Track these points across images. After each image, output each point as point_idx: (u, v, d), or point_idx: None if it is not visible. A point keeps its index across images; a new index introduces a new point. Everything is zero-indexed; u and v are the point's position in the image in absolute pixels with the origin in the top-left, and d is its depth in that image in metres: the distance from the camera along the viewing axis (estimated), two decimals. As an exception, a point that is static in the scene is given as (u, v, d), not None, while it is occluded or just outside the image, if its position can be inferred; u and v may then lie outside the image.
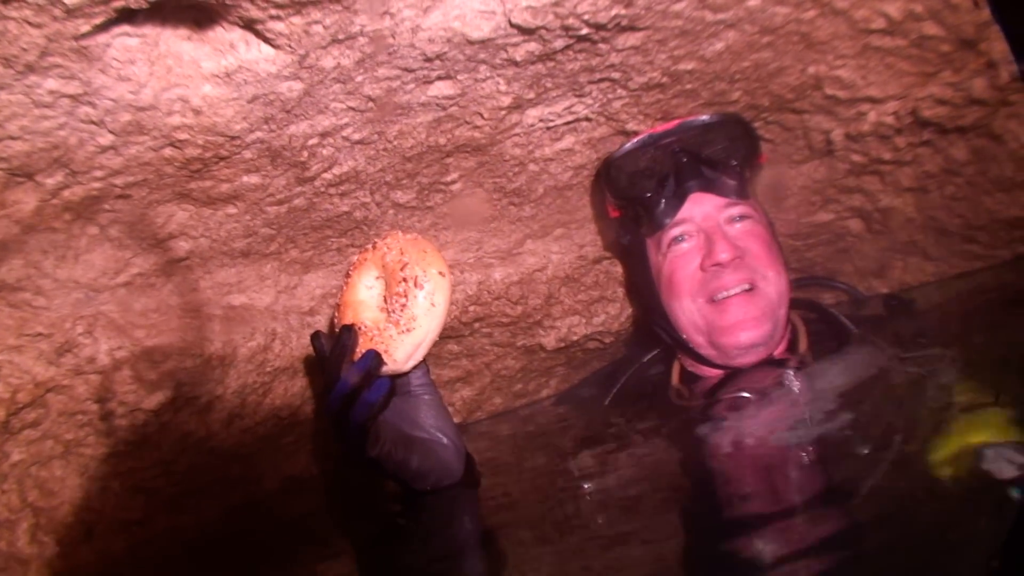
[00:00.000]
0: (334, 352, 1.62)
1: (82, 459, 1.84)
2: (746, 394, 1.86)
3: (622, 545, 1.32)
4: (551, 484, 1.79)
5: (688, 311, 2.00)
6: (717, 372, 2.06)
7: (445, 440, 1.73)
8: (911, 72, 1.91)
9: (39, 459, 1.79)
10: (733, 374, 2.00)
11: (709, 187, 1.97)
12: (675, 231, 2.00)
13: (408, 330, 1.63)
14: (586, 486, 1.71)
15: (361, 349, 1.63)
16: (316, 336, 1.70)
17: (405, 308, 1.63)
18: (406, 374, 1.72)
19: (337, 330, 1.68)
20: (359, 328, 1.66)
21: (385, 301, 1.69)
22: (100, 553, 1.85)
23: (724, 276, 1.94)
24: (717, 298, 1.95)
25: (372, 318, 1.67)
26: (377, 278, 1.73)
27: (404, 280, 1.64)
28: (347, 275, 1.76)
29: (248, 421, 2.10)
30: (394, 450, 1.62)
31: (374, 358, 1.59)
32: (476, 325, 2.36)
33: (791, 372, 1.85)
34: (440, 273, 1.65)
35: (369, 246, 1.76)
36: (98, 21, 1.30)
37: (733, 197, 1.98)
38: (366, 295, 1.72)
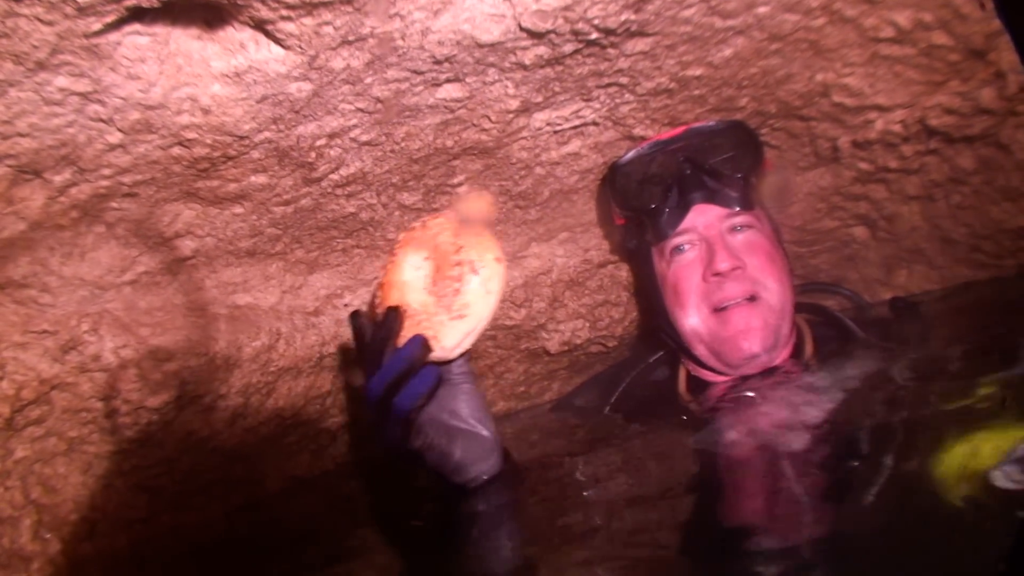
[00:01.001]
0: (378, 335, 1.54)
1: (86, 456, 1.84)
2: (751, 396, 1.87)
3: (630, 551, 1.32)
4: (559, 492, 1.78)
5: (691, 320, 2.00)
6: (723, 379, 2.06)
7: (485, 432, 1.65)
8: (919, 81, 1.91)
9: (43, 456, 1.79)
10: (739, 381, 1.99)
11: (712, 198, 1.97)
12: (678, 240, 2.00)
13: (460, 316, 1.55)
14: (587, 493, 1.70)
15: (406, 333, 1.55)
16: (356, 315, 1.62)
17: (458, 294, 1.56)
18: (450, 362, 1.63)
19: (378, 311, 1.60)
20: (404, 311, 1.56)
21: (434, 284, 1.59)
22: (102, 551, 1.85)
23: (725, 286, 1.94)
24: (719, 308, 1.95)
25: (420, 301, 1.58)
26: (426, 259, 1.61)
27: (459, 264, 1.56)
28: (391, 253, 1.66)
29: (251, 421, 2.10)
30: (436, 441, 1.57)
31: (422, 344, 1.52)
32: (480, 328, 2.36)
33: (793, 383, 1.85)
34: (496, 259, 1.58)
35: (417, 224, 1.67)
36: (109, 19, 1.30)
37: (736, 207, 1.98)
38: (413, 276, 1.61)
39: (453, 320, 1.55)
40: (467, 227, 1.60)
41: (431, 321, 1.55)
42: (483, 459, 1.63)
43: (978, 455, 1.15)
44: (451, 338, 1.55)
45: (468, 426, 1.63)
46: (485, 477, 1.63)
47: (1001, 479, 1.06)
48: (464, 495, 1.62)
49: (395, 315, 1.54)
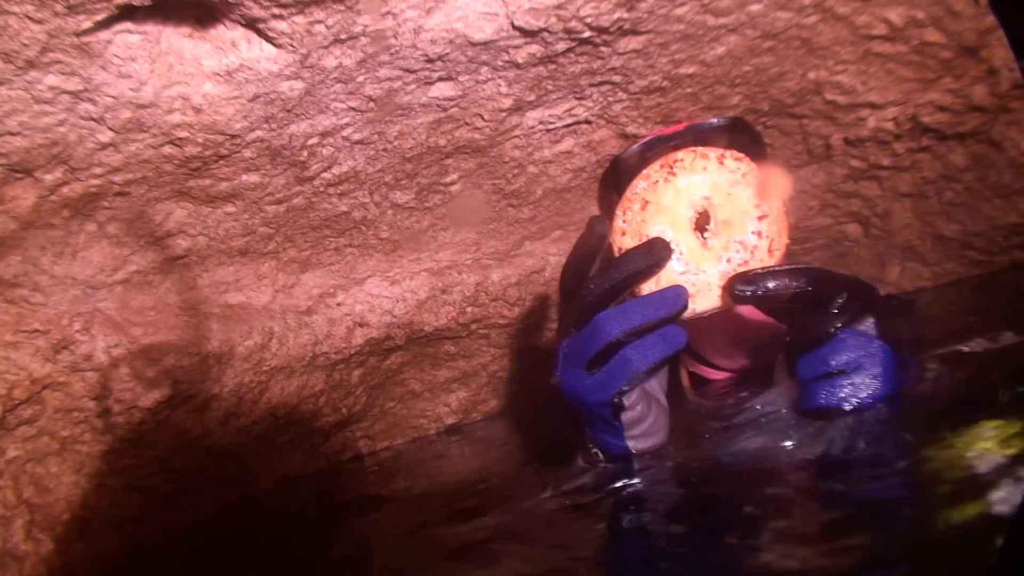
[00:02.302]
0: (631, 261, 1.30)
1: (78, 456, 1.84)
2: (752, 392, 1.86)
3: (633, 554, 1.32)
4: (561, 493, 1.78)
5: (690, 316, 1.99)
6: (723, 375, 2.06)
7: (664, 402, 1.57)
8: (912, 78, 1.91)
9: (35, 456, 1.79)
10: (740, 377, 1.99)
11: None
12: None
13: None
14: (594, 495, 1.70)
15: (660, 280, 1.35)
16: (599, 221, 1.37)
17: (744, 264, 1.36)
18: None
19: (624, 232, 1.40)
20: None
21: (715, 235, 1.37)
22: (95, 550, 1.85)
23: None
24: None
25: (689, 246, 1.35)
26: (707, 200, 1.39)
27: (757, 233, 1.35)
28: (667, 168, 1.41)
29: (244, 420, 2.10)
30: (639, 402, 1.43)
31: (684, 300, 1.29)
32: (473, 326, 2.36)
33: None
34: (788, 244, 1.40)
35: (712, 155, 1.42)
36: (100, 17, 1.29)
37: None
38: (686, 212, 1.38)
39: (720, 286, 1.37)
40: (768, 195, 1.39)
41: (695, 275, 1.36)
42: (663, 430, 1.53)
43: (969, 458, 1.15)
44: (706, 302, 1.37)
45: (657, 393, 1.55)
46: (653, 448, 1.52)
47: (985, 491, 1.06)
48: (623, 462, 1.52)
49: (666, 250, 1.31)
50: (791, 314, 1.34)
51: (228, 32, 1.43)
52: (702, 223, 1.37)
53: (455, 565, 1.45)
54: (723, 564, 1.15)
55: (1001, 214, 2.19)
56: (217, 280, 1.97)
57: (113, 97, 1.44)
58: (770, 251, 1.34)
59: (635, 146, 2.00)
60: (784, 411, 1.50)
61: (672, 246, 1.33)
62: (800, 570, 1.03)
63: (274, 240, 1.94)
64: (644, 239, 1.33)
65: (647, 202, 1.39)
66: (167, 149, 1.58)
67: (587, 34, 1.61)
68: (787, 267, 1.30)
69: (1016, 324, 1.66)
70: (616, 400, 1.34)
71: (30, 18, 1.26)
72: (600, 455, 1.56)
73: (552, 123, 1.89)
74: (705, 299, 1.34)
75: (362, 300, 2.20)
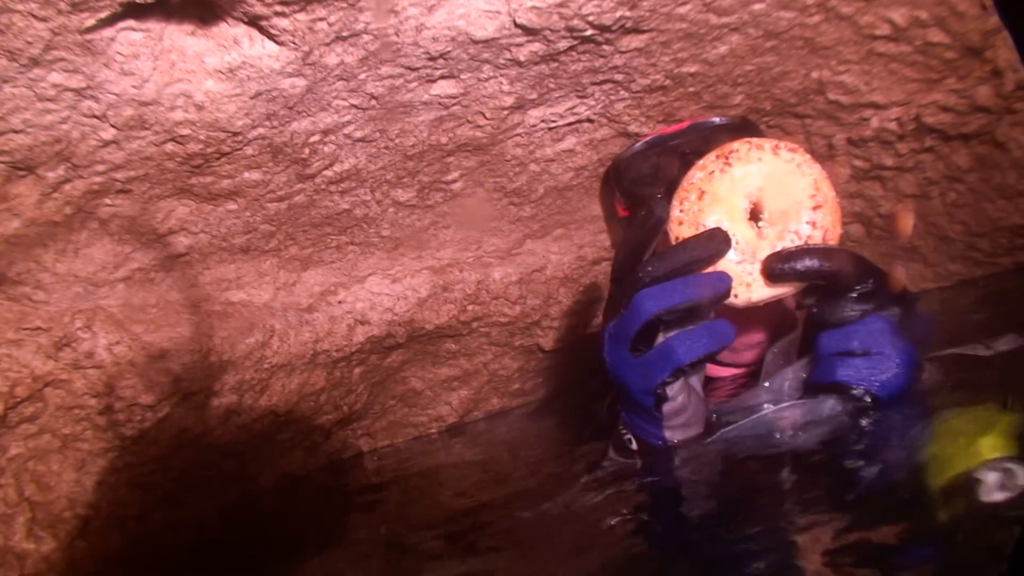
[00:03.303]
0: (693, 249, 1.30)
1: (79, 454, 1.84)
2: (755, 389, 1.86)
3: (635, 559, 1.32)
4: (563, 492, 1.78)
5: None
6: (728, 372, 2.05)
7: (701, 392, 1.54)
8: (915, 78, 1.91)
9: (36, 454, 1.79)
10: (743, 374, 1.99)
11: None
12: None
13: None
14: (596, 493, 1.69)
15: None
16: (659, 204, 1.40)
17: None
18: None
19: (680, 221, 1.36)
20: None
21: (770, 224, 1.35)
22: (97, 548, 1.85)
23: None
24: None
25: (745, 236, 1.33)
26: (762, 190, 1.36)
27: (812, 224, 1.32)
28: (724, 159, 1.39)
29: (245, 418, 2.10)
30: (680, 392, 1.42)
31: (725, 282, 1.30)
32: (474, 324, 2.36)
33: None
34: (842, 234, 1.37)
35: (767, 146, 1.38)
36: (103, 15, 1.30)
37: None
38: (741, 202, 1.36)
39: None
40: (828, 185, 1.36)
41: (747, 265, 1.33)
42: (700, 421, 1.52)
43: (971, 465, 1.15)
44: (761, 291, 1.33)
45: (695, 383, 1.52)
46: (685, 440, 1.52)
47: (986, 493, 1.06)
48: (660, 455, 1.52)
49: (723, 240, 1.31)
50: (822, 293, 1.35)
51: (230, 29, 1.43)
52: (757, 213, 1.36)
53: (454, 563, 1.45)
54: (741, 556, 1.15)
55: (1005, 216, 2.18)
56: (218, 277, 1.97)
57: (116, 95, 1.44)
58: (824, 241, 1.32)
59: (637, 145, 2.00)
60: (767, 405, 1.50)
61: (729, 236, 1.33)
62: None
63: (275, 238, 1.94)
64: (701, 228, 1.34)
65: (703, 192, 1.36)
66: (169, 146, 1.58)
67: (589, 32, 1.61)
68: (823, 247, 1.31)
69: (1020, 326, 1.66)
70: (659, 391, 1.36)
71: (34, 16, 1.26)
72: (633, 443, 1.55)
73: (554, 121, 1.89)
74: (761, 288, 1.32)
75: (363, 298, 2.20)
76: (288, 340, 2.11)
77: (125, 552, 1.90)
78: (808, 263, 1.29)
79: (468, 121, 1.80)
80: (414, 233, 2.11)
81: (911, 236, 1.39)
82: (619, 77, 1.80)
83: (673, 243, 1.36)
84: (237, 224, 1.85)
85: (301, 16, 1.38)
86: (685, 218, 1.36)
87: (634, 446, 1.54)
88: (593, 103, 1.87)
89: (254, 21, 1.39)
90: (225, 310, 2.01)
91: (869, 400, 1.32)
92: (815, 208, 1.32)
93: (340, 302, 2.18)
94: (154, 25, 1.39)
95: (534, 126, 1.88)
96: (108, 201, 1.66)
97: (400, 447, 2.59)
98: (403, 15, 1.46)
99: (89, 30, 1.32)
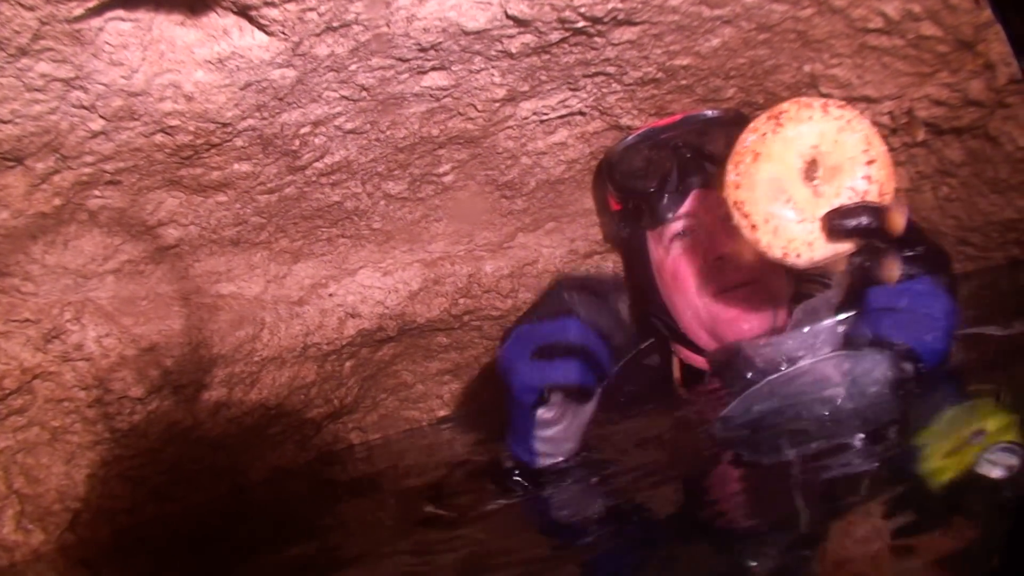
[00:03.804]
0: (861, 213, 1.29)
1: (68, 446, 1.84)
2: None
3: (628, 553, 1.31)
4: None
5: (690, 305, 1.99)
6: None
7: (587, 418, 1.63)
8: (908, 72, 1.91)
9: (26, 446, 1.79)
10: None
11: (712, 183, 1.97)
12: (677, 226, 1.99)
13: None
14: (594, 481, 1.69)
15: (778, 231, 1.34)
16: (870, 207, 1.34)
17: None
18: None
19: (737, 187, 1.37)
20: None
21: (826, 183, 1.34)
22: (86, 541, 1.85)
23: (726, 271, 1.92)
24: (719, 292, 1.94)
25: (801, 195, 1.34)
26: (815, 148, 1.36)
27: (868, 179, 1.32)
28: (775, 120, 1.39)
29: (235, 411, 2.09)
30: (560, 408, 1.51)
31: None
32: (466, 318, 2.36)
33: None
34: (896, 189, 1.36)
35: (815, 104, 1.38)
36: (91, 4, 1.29)
37: None
38: (796, 162, 1.36)
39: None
40: (884, 149, 1.35)
41: (808, 224, 1.33)
42: (572, 442, 1.64)
43: (967, 451, 1.15)
44: (822, 251, 1.34)
45: (578, 416, 1.61)
46: (555, 460, 1.63)
47: (987, 467, 1.07)
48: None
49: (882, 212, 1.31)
50: (875, 250, 1.35)
51: (220, 19, 1.42)
52: (811, 172, 1.35)
53: (447, 555, 1.45)
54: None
55: (997, 210, 2.18)
56: (209, 270, 1.96)
57: (104, 85, 1.43)
58: (881, 195, 1.32)
59: (630, 137, 2.00)
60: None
61: (784, 195, 1.34)
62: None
63: (266, 230, 1.93)
64: (758, 190, 1.35)
65: (758, 154, 1.38)
66: (158, 137, 1.57)
67: (581, 24, 1.61)
68: (882, 205, 1.31)
69: (1011, 319, 1.67)
70: (544, 394, 1.44)
71: (22, 5, 1.25)
72: (515, 469, 1.64)
73: (546, 114, 1.88)
74: (823, 246, 1.33)
75: (354, 291, 2.19)
76: (278, 333, 2.10)
77: (115, 545, 1.90)
78: (869, 220, 1.30)
79: (459, 113, 1.80)
80: (405, 226, 2.11)
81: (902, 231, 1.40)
82: (611, 70, 1.79)
83: (731, 208, 1.38)
84: (227, 216, 1.84)
85: (291, 6, 1.38)
86: (742, 181, 1.37)
87: (517, 474, 1.63)
88: (585, 96, 1.87)
89: (244, 11, 1.38)
90: (215, 303, 2.01)
91: (910, 358, 1.36)
92: (869, 163, 1.32)
93: (331, 295, 2.18)
94: (143, 15, 1.38)
95: (526, 119, 1.88)
96: (97, 192, 1.66)
97: (391, 440, 2.59)
98: (394, 5, 1.46)
99: (77, 19, 1.31)
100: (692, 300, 1.98)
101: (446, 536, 1.55)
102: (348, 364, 2.32)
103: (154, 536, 1.97)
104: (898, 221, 1.30)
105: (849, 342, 1.46)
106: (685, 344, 2.09)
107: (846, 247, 1.32)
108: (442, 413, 2.62)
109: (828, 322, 1.51)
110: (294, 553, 1.69)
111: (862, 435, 1.37)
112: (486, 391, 2.61)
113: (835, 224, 1.30)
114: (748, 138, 1.41)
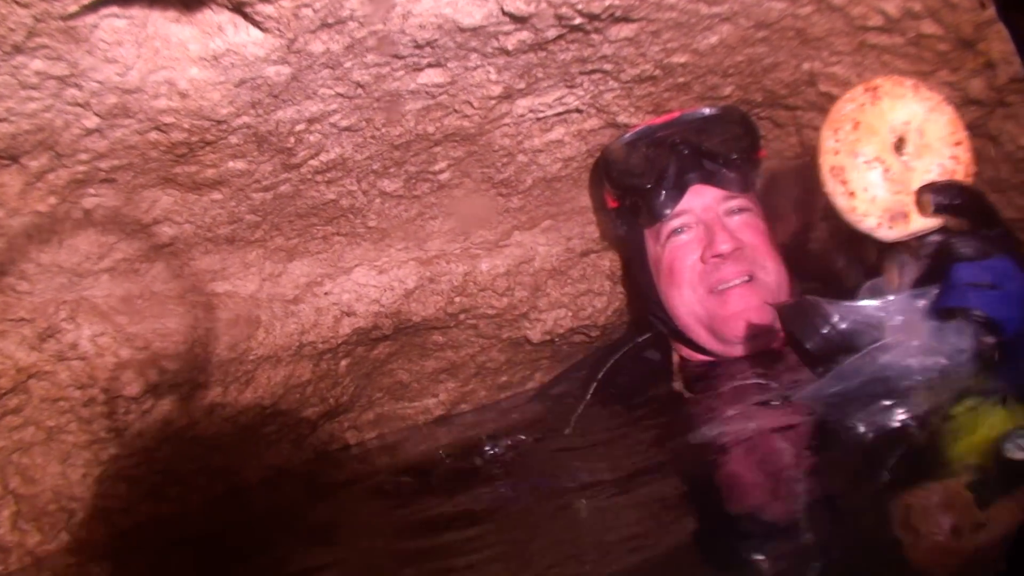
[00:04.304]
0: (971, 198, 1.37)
1: (64, 446, 1.83)
2: (746, 380, 1.86)
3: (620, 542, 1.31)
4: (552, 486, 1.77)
5: (688, 301, 1.99)
6: (709, 360, 2.06)
7: None
8: (907, 71, 1.90)
9: (21, 446, 1.79)
10: (733, 363, 1.99)
11: (709, 179, 1.97)
12: (675, 223, 1.99)
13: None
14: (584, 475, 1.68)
15: (876, 200, 1.38)
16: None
17: None
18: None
19: (838, 154, 1.39)
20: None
21: (918, 157, 1.38)
22: (81, 541, 1.85)
23: (724, 267, 1.93)
24: (717, 289, 1.94)
25: (896, 167, 1.38)
26: (907, 124, 1.39)
27: (955, 159, 1.37)
28: (873, 92, 1.42)
29: (230, 410, 2.08)
30: None
31: None
32: (461, 316, 2.35)
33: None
34: (977, 172, 1.43)
35: (907, 83, 1.42)
36: (86, 1, 1.28)
37: (733, 190, 1.98)
38: (889, 136, 1.39)
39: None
40: (966, 135, 1.41)
41: (903, 197, 1.37)
42: None
43: (988, 437, 1.16)
44: (916, 224, 1.38)
45: None
46: None
47: (1013, 450, 1.08)
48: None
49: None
50: (958, 228, 1.40)
51: (214, 16, 1.41)
52: (901, 147, 1.40)
53: (443, 556, 1.44)
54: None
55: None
56: (204, 268, 1.95)
57: (99, 82, 1.43)
58: (966, 175, 1.38)
59: (628, 134, 2.00)
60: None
61: (883, 165, 1.38)
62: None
63: (261, 228, 1.92)
64: (859, 158, 1.39)
65: (858, 122, 1.40)
66: (153, 135, 1.56)
67: (578, 21, 1.60)
68: (972, 186, 1.39)
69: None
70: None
71: (16, 2, 1.25)
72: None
73: (542, 111, 1.88)
74: (917, 220, 1.37)
75: (350, 289, 2.19)
76: (274, 331, 2.09)
77: (110, 545, 1.89)
78: (964, 198, 1.36)
79: (455, 110, 1.79)
80: (401, 224, 2.10)
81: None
82: (608, 67, 1.79)
83: (827, 172, 1.41)
84: (222, 214, 1.84)
85: (286, 2, 1.37)
86: (841, 148, 1.40)
87: None
88: (582, 93, 1.86)
89: (238, 7, 1.38)
90: (210, 301, 2.00)
91: (993, 331, 1.37)
92: (956, 144, 1.38)
93: (326, 293, 2.17)
94: (138, 12, 1.37)
95: (522, 116, 1.87)
96: (92, 191, 1.65)
97: (387, 439, 2.59)
98: (390, 2, 1.45)
99: (72, 16, 1.30)
100: (689, 296, 1.99)
101: (443, 536, 1.55)
102: (344, 363, 2.31)
103: (150, 536, 1.97)
104: (984, 201, 1.38)
105: (931, 313, 1.47)
106: (683, 341, 2.09)
107: (937, 222, 1.37)
108: (438, 412, 2.62)
109: (908, 293, 1.51)
110: (290, 553, 1.68)
111: (939, 405, 1.37)
112: (482, 390, 2.61)
113: (932, 199, 1.36)
114: (846, 107, 1.43)
